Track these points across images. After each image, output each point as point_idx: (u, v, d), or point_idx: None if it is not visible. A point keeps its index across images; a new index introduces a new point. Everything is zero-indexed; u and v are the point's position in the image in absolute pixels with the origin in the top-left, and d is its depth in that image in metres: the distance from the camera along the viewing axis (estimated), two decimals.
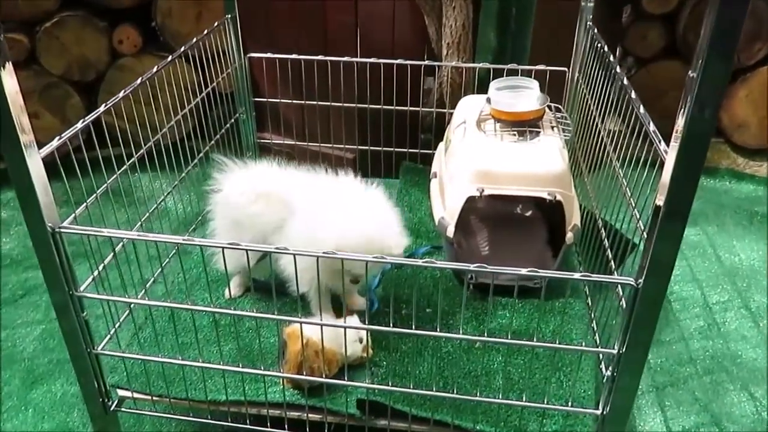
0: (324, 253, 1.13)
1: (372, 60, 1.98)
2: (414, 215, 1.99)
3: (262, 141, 2.24)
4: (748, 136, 2.53)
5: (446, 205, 1.59)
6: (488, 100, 1.70)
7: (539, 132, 1.63)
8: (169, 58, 1.73)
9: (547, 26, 2.04)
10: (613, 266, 1.39)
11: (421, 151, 2.14)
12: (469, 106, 1.80)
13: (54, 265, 1.17)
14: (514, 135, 1.63)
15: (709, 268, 2.15)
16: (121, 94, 1.51)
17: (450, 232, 1.55)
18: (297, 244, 1.33)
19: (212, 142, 1.97)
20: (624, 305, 1.12)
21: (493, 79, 1.93)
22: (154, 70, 1.66)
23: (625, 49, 2.52)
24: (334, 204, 1.44)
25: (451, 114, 2.03)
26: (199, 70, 1.90)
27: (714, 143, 2.63)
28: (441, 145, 1.97)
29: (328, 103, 2.08)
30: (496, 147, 1.57)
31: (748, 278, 2.09)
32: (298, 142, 2.24)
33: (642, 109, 1.26)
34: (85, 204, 1.31)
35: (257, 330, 1.49)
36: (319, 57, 2.01)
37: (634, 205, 1.33)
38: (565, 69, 1.94)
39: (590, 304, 1.61)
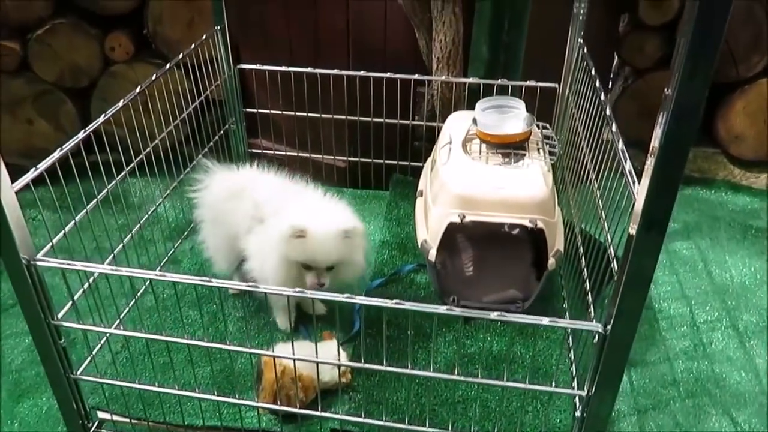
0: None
1: (362, 73, 1.97)
2: (402, 230, 1.99)
3: (253, 150, 2.24)
4: (745, 147, 2.50)
5: (429, 227, 1.59)
6: (474, 121, 1.68)
7: (524, 154, 1.62)
8: (165, 68, 1.74)
9: (540, 40, 2.01)
10: (590, 299, 1.38)
11: (412, 163, 2.14)
12: (457, 124, 1.79)
13: (29, 296, 1.18)
14: (500, 157, 1.62)
15: (699, 284, 2.13)
16: (120, 104, 1.53)
17: (432, 256, 1.55)
18: (259, 248, 1.45)
19: (203, 151, 1.98)
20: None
21: (483, 94, 1.92)
22: (153, 78, 1.66)
23: (622, 59, 2.49)
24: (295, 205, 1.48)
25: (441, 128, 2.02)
26: (191, 78, 1.90)
27: (711, 154, 2.60)
28: (428, 162, 1.96)
29: (319, 115, 2.08)
30: (479, 171, 1.56)
31: (738, 296, 2.07)
32: (289, 151, 2.24)
33: (621, 145, 1.25)
34: (63, 232, 1.32)
35: (233, 356, 1.50)
36: (309, 69, 2.00)
37: (607, 230, 1.33)
38: (556, 85, 1.92)
39: (568, 331, 1.61)
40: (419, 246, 1.61)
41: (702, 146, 2.60)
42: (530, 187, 1.50)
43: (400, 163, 2.14)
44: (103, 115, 1.47)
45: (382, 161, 2.15)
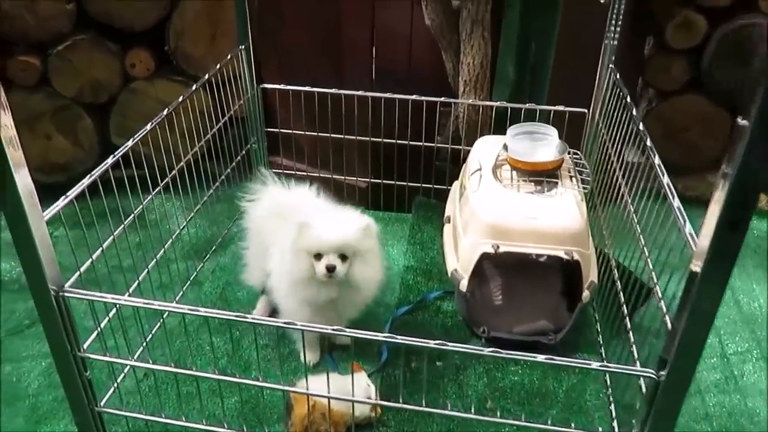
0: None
1: (388, 95, 1.94)
2: (426, 254, 1.95)
3: (275, 170, 2.20)
4: None
5: (459, 256, 1.55)
6: (505, 147, 1.65)
7: (557, 183, 1.59)
8: (193, 88, 1.72)
9: (567, 65, 1.99)
10: (632, 339, 1.34)
11: (435, 186, 2.10)
12: (486, 149, 1.75)
13: (56, 327, 1.14)
14: (531, 185, 1.58)
15: (727, 313, 2.09)
16: (148, 126, 1.51)
17: (463, 286, 1.51)
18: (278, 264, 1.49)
19: (226, 172, 1.95)
20: (644, 390, 1.08)
21: (510, 118, 1.89)
22: (180, 99, 1.63)
23: (646, 81, 2.46)
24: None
25: (467, 151, 1.99)
26: (212, 95, 1.88)
27: None
28: (455, 186, 1.92)
29: (342, 136, 2.05)
30: (512, 200, 1.52)
31: None
32: (309, 170, 2.21)
33: (667, 179, 1.21)
34: (90, 261, 1.29)
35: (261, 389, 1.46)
36: (334, 90, 1.97)
37: (647, 255, 1.29)
38: (585, 110, 1.89)
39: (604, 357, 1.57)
40: (449, 275, 1.58)
41: None
42: (565, 217, 1.47)
43: (424, 185, 2.11)
44: (132, 139, 1.45)
45: (405, 183, 2.11)
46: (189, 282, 1.80)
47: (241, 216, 2.09)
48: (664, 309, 1.12)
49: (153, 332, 1.55)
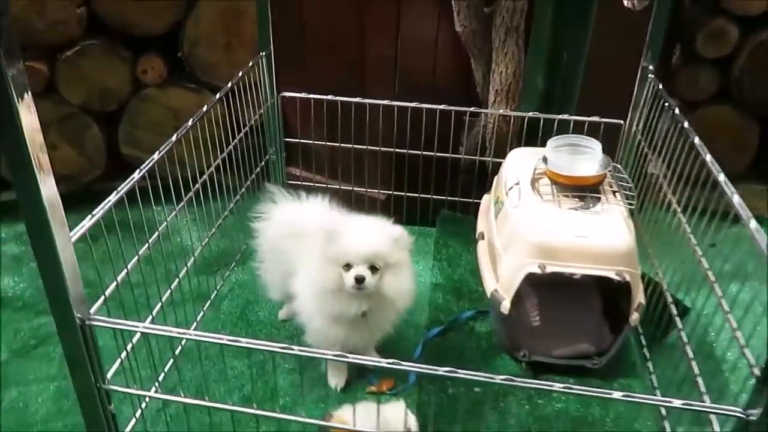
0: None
1: (414, 104, 1.86)
2: (454, 271, 1.87)
3: (292, 182, 2.12)
4: None
5: (500, 276, 1.47)
6: (544, 160, 1.58)
7: (599, 198, 1.51)
8: (215, 98, 1.64)
9: (598, 74, 1.92)
10: (690, 353, 1.27)
11: (461, 199, 2.02)
12: (521, 162, 1.68)
13: (81, 358, 1.05)
14: (574, 200, 1.50)
15: (761, 332, 2.02)
16: (174, 138, 1.42)
17: (505, 308, 1.43)
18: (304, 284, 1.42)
19: (246, 185, 1.86)
20: (717, 427, 1.00)
21: (542, 130, 1.81)
22: (204, 109, 1.55)
23: (671, 91, 2.39)
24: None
25: (497, 164, 1.91)
26: (229, 103, 1.79)
27: (759, 191, 2.50)
28: (486, 200, 1.84)
29: (364, 147, 1.97)
30: (556, 216, 1.44)
31: None
32: (328, 181, 2.12)
33: (738, 199, 1.14)
34: (115, 284, 1.19)
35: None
36: (357, 99, 1.89)
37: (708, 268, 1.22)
38: (621, 122, 1.82)
39: (654, 383, 1.49)
40: (488, 295, 1.49)
41: (750, 183, 2.49)
42: (614, 235, 1.39)
43: (449, 198, 2.03)
44: (158, 151, 1.36)
45: (429, 196, 2.03)
46: (209, 301, 1.71)
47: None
48: (742, 341, 1.04)
49: (174, 357, 1.45)
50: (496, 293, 1.46)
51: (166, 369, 1.43)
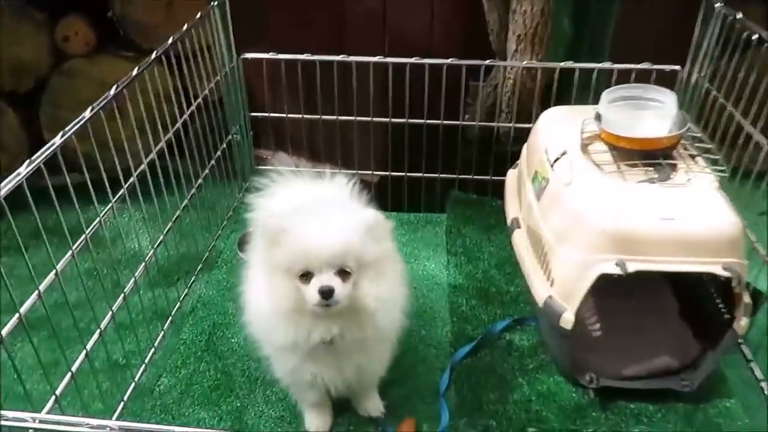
0: None
1: (413, 60, 1.47)
2: (475, 267, 1.48)
3: (263, 167, 1.70)
4: None
5: (555, 278, 1.09)
6: (597, 118, 1.20)
7: (675, 165, 1.14)
8: (151, 58, 1.22)
9: (633, 14, 1.55)
10: None
11: (476, 177, 1.64)
12: (560, 125, 1.30)
13: None
14: (641, 170, 1.13)
15: None
16: (87, 114, 1.01)
17: (567, 322, 1.05)
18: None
19: (201, 178, 1.44)
20: None
21: (577, 84, 1.44)
22: (134, 73, 1.13)
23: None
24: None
25: (520, 131, 1.53)
26: (178, 73, 1.38)
27: None
28: (512, 176, 1.46)
29: (352, 118, 1.56)
30: (629, 194, 1.07)
31: None
32: (308, 164, 1.72)
33: None
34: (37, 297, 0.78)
35: None
36: (340, 57, 1.48)
37: None
38: (677, 67, 1.45)
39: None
40: (539, 304, 1.11)
41: None
42: (714, 216, 1.02)
43: (460, 176, 1.64)
44: (63, 133, 0.95)
45: (435, 175, 1.64)
46: (162, 332, 1.30)
47: (230, 229, 1.61)
48: None
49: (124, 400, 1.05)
50: (551, 301, 1.08)
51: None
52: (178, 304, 1.38)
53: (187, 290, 1.43)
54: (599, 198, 1.07)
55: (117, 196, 1.11)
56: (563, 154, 1.19)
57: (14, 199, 0.91)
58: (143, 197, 1.23)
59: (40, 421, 0.62)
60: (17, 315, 0.87)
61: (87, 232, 1.03)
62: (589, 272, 1.01)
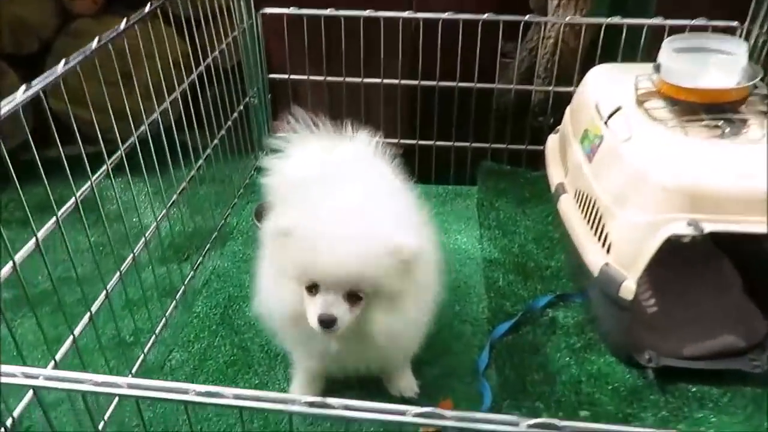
0: None
1: (445, 15, 1.35)
2: (511, 241, 1.37)
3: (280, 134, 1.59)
4: None
5: (612, 243, 0.97)
6: (656, 69, 1.08)
7: (745, 121, 1.02)
8: (145, 10, 1.11)
9: None
10: None
11: (510, 146, 1.52)
12: (609, 83, 1.18)
13: None
14: (705, 126, 1.01)
15: None
16: (60, 68, 0.90)
17: (628, 291, 0.93)
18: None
19: (212, 145, 1.33)
20: None
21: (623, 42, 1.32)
22: (122, 26, 1.02)
23: None
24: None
25: (560, 95, 1.42)
26: (190, 36, 1.27)
27: None
28: (554, 141, 1.34)
29: (379, 80, 1.45)
30: (699, 149, 0.95)
31: None
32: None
33: None
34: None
35: None
36: (368, 12, 1.37)
37: None
38: (736, 24, 1.33)
39: None
40: (594, 272, 1.00)
41: None
42: None
43: (494, 146, 1.53)
44: (63, 62, 0.85)
45: (466, 144, 1.52)
46: (174, 303, 1.19)
47: (246, 200, 1.50)
48: None
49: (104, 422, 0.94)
50: (609, 269, 0.96)
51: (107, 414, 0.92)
52: (192, 273, 1.27)
53: (201, 259, 1.32)
54: (666, 153, 0.95)
55: (113, 158, 0.99)
56: (618, 109, 1.07)
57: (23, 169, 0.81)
58: (151, 170, 1.11)
59: (45, 378, 0.51)
60: None
61: (77, 195, 0.90)
62: (655, 234, 0.89)
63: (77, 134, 0.92)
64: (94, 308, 0.89)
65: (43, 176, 0.83)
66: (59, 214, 0.84)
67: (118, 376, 0.49)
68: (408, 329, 0.85)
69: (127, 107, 1.03)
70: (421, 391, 1.03)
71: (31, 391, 0.72)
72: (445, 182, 1.57)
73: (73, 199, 0.88)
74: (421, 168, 1.57)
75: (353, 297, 0.78)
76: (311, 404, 0.47)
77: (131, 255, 1.04)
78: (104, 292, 0.92)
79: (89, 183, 0.91)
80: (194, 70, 1.25)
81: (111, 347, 1.07)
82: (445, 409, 0.98)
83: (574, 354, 1.10)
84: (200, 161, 1.28)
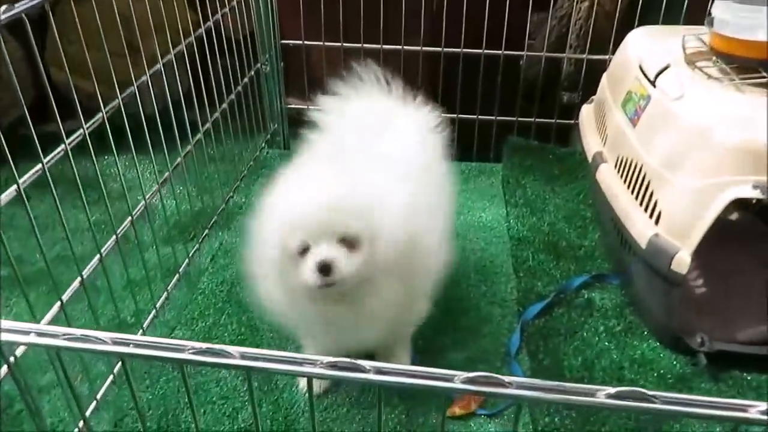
0: None
1: None
2: (540, 219, 1.27)
3: (295, 107, 1.50)
4: None
5: (663, 211, 0.87)
6: (709, 23, 0.98)
7: None
8: None
9: None
10: None
11: (537, 120, 1.42)
12: (652, 43, 1.08)
13: None
14: (766, 84, 0.91)
15: None
16: None
17: (682, 264, 0.83)
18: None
19: (218, 112, 1.23)
20: None
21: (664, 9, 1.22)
22: None
23: None
24: None
25: (594, 63, 1.32)
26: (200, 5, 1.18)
27: None
28: (587, 111, 1.24)
29: (399, 47, 1.36)
30: (762, 107, 0.85)
31: None
32: None
33: None
34: None
35: None
36: None
37: None
38: None
39: None
40: (642, 244, 0.90)
41: None
42: None
43: (520, 119, 1.43)
44: None
45: (492, 117, 1.43)
46: (177, 277, 1.10)
47: (256, 175, 1.40)
48: None
49: (115, 376, 0.85)
50: (659, 240, 0.86)
51: (99, 394, 0.83)
52: (197, 246, 1.18)
53: (206, 232, 1.23)
54: (725, 111, 0.85)
55: (92, 122, 0.88)
56: (667, 67, 0.97)
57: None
58: (158, 146, 1.02)
59: (36, 334, 0.42)
60: None
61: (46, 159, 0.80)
62: (715, 199, 0.79)
63: (78, 107, 0.83)
64: (85, 272, 0.80)
65: (40, 152, 0.75)
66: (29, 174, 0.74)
67: (125, 335, 0.40)
68: (409, 299, 0.78)
69: (132, 78, 0.94)
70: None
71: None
72: (467, 159, 1.47)
73: (46, 166, 0.78)
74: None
75: (348, 243, 0.70)
76: (334, 366, 0.38)
77: (128, 224, 0.95)
78: (98, 257, 0.83)
79: (63, 146, 0.81)
80: (204, 41, 1.16)
81: (111, 328, 0.98)
82: (476, 399, 0.90)
83: (614, 338, 1.00)
84: (198, 135, 1.16)
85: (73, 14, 0.86)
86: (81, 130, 0.83)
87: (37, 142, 0.74)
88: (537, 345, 0.98)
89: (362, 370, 0.37)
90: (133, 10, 0.95)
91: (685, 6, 1.22)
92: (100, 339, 0.39)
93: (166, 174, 1.08)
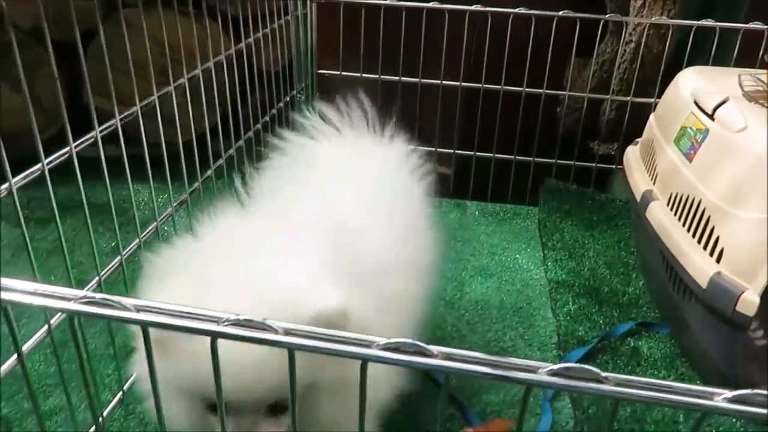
0: None
1: (517, 11, 1.24)
2: (580, 264, 1.20)
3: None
4: None
5: (726, 249, 0.81)
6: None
7: None
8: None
9: None
10: None
11: (577, 163, 1.38)
12: (707, 80, 1.04)
13: None
14: None
15: None
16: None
17: (749, 305, 0.76)
18: None
19: (242, 140, 1.19)
20: None
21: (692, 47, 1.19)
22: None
23: None
24: None
25: (639, 106, 1.28)
26: (228, 29, 1.16)
27: None
28: (633, 152, 1.19)
29: (438, 81, 1.33)
30: None
31: None
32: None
33: None
34: None
35: None
36: (432, 3, 1.27)
37: None
38: None
39: None
40: (702, 284, 0.82)
41: None
42: None
43: (559, 161, 1.38)
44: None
45: (529, 158, 1.38)
46: None
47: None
48: None
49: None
50: (722, 279, 0.79)
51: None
52: None
53: None
54: None
55: (103, 127, 0.84)
56: (726, 100, 0.92)
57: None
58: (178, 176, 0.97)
59: (36, 293, 0.36)
60: None
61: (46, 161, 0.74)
62: None
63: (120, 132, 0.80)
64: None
65: (79, 176, 0.71)
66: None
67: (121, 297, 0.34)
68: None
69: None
70: (481, 419, 0.85)
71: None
72: (502, 200, 1.41)
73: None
74: (477, 183, 1.43)
75: (276, 409, 0.53)
76: (396, 349, 0.31)
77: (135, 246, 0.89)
78: (96, 279, 0.77)
79: (69, 148, 0.76)
80: (244, 70, 1.13)
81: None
82: (502, 425, 0.82)
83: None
84: (220, 161, 1.10)
85: (114, 38, 0.83)
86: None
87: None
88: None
89: (430, 353, 0.31)
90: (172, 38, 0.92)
91: (736, 48, 1.18)
92: (123, 305, 0.33)
93: (183, 196, 1.02)
